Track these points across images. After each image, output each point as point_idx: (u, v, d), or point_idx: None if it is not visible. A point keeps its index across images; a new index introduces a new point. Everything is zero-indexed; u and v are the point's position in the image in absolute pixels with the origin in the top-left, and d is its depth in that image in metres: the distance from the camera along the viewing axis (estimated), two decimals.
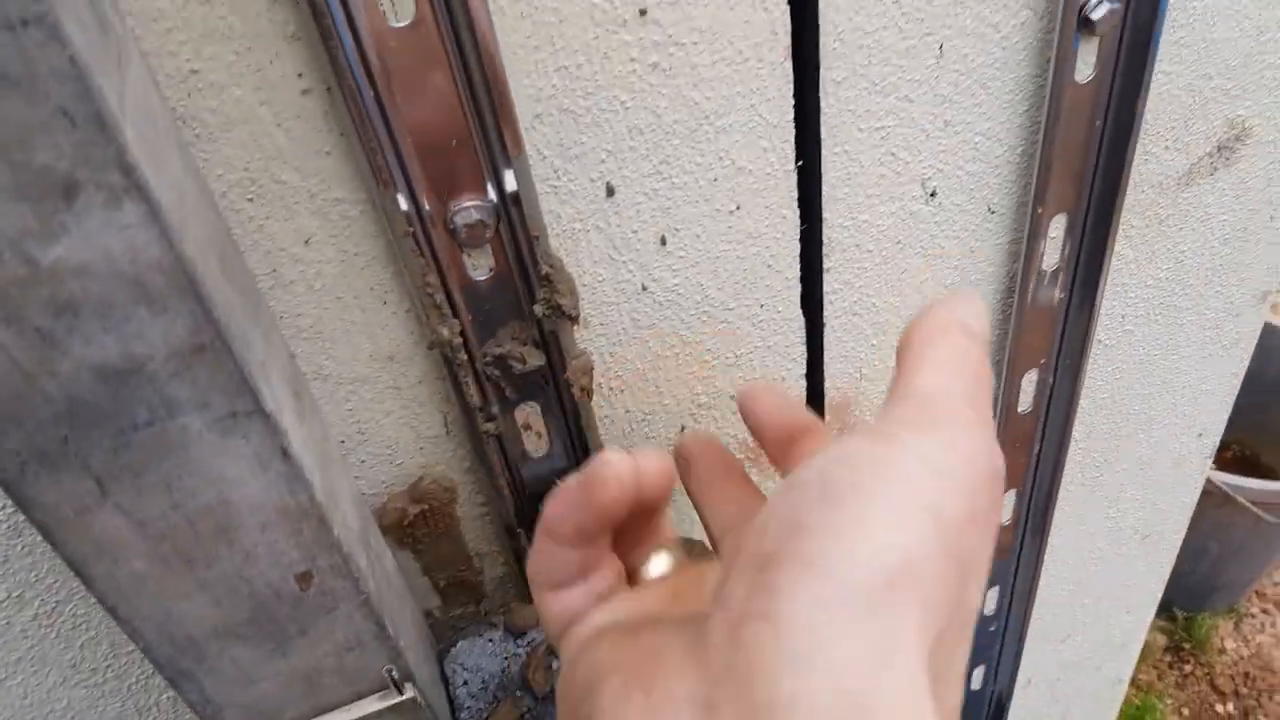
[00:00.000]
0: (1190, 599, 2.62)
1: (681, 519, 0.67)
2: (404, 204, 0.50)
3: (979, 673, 1.11)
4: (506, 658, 0.63)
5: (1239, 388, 0.95)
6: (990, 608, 1.02)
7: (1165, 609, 2.68)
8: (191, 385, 0.37)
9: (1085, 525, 0.99)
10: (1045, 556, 0.98)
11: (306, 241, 0.50)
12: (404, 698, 0.51)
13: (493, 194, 0.51)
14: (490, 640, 0.64)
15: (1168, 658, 2.61)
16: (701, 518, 0.46)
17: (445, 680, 0.62)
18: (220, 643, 0.45)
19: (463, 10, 0.45)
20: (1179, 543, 1.12)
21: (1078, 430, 0.86)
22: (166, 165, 0.35)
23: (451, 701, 0.61)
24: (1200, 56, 0.66)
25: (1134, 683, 2.60)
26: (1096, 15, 0.58)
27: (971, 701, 1.15)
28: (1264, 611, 2.67)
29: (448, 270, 0.53)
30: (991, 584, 0.99)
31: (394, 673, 0.50)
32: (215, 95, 0.43)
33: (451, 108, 0.47)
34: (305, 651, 0.48)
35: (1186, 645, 2.61)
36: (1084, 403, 0.84)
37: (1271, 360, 2.66)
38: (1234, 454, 2.82)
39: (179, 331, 0.35)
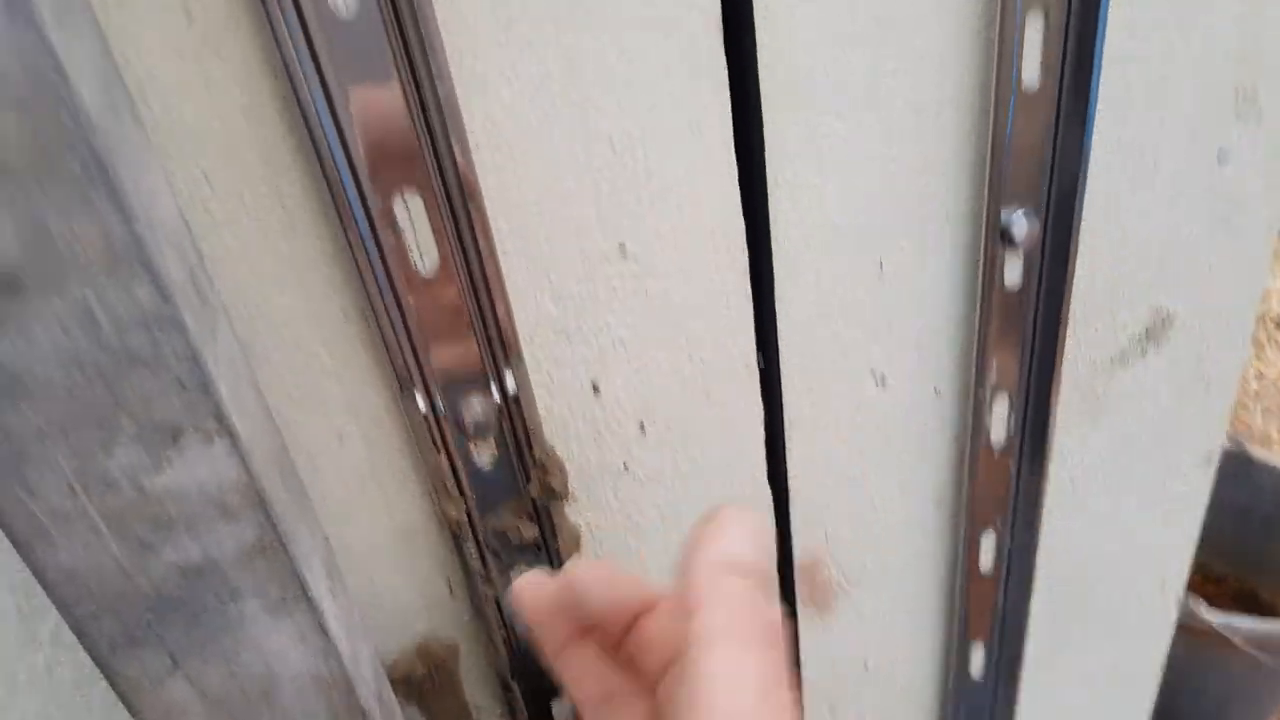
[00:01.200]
0: None
1: None
2: (422, 405, 0.59)
3: None
4: None
5: (1198, 537, 1.02)
6: None
7: None
8: (252, 577, 0.46)
9: (1057, 673, 1.04)
10: (1019, 706, 1.03)
11: (340, 438, 0.59)
12: None
13: (496, 395, 0.61)
14: None
15: None
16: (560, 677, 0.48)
17: None
18: None
19: (477, 259, 0.55)
20: (1156, 685, 1.16)
21: (1040, 587, 0.93)
22: (245, 403, 0.45)
23: None
24: (1118, 259, 0.76)
25: None
26: (1017, 232, 0.69)
27: None
28: None
29: (457, 458, 0.62)
30: None
31: None
32: (276, 333, 0.53)
33: (465, 333, 0.57)
34: None
35: None
36: (1043, 561, 0.91)
37: (1262, 497, 2.70)
38: (1231, 589, 2.82)
39: (247, 536, 0.44)
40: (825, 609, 0.85)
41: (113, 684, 0.46)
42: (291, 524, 0.47)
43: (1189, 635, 2.31)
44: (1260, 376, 3.86)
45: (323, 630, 0.49)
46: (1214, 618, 2.27)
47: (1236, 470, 2.74)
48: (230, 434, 0.42)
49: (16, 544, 0.41)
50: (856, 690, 0.92)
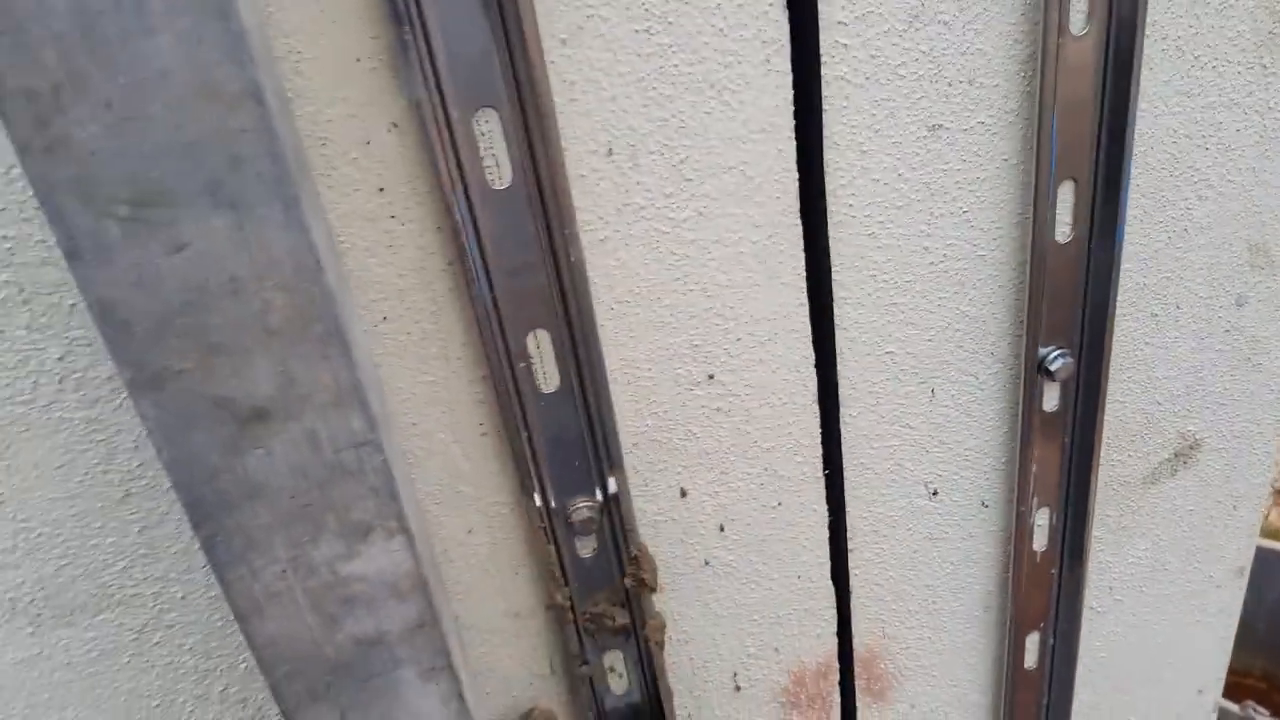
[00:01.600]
0: None
1: None
2: (538, 502, 0.70)
3: None
4: None
5: (1231, 648, 1.07)
6: None
7: None
8: (411, 648, 0.56)
9: None
10: None
11: (469, 531, 0.69)
12: None
13: (599, 496, 0.71)
14: None
15: None
16: None
17: None
18: None
19: (591, 383, 0.66)
20: None
21: (1081, 688, 0.99)
22: (412, 505, 0.55)
23: None
24: (1146, 390, 0.85)
25: None
26: (1054, 367, 0.78)
27: None
28: None
29: (564, 550, 0.72)
30: None
31: None
32: (426, 442, 0.64)
33: (578, 444, 0.68)
34: None
35: None
36: (1085, 661, 0.97)
37: None
38: (1266, 687, 2.78)
39: (412, 614, 0.54)
40: (882, 700, 0.92)
41: None
42: (440, 605, 0.57)
43: None
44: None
45: (460, 697, 0.58)
46: None
47: (1266, 568, 2.73)
48: (405, 531, 0.52)
49: (238, 616, 0.52)
50: None
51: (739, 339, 0.70)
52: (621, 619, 0.76)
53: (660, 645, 0.78)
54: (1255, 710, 2.29)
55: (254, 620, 0.52)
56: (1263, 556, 2.77)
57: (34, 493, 0.60)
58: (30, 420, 0.57)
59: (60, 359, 0.56)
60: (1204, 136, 0.76)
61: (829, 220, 0.68)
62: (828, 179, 0.68)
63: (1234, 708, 2.32)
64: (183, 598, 0.66)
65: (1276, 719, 2.30)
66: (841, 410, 0.75)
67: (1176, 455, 0.89)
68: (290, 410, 0.48)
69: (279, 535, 0.50)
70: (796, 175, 0.66)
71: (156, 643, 0.67)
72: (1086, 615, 0.95)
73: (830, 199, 0.68)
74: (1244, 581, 1.01)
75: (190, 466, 0.47)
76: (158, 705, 0.69)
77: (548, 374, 0.66)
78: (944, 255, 0.73)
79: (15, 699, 0.66)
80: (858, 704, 0.91)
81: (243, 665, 0.70)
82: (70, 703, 0.67)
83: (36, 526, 0.61)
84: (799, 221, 0.68)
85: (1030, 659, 0.95)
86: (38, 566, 0.62)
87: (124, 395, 0.58)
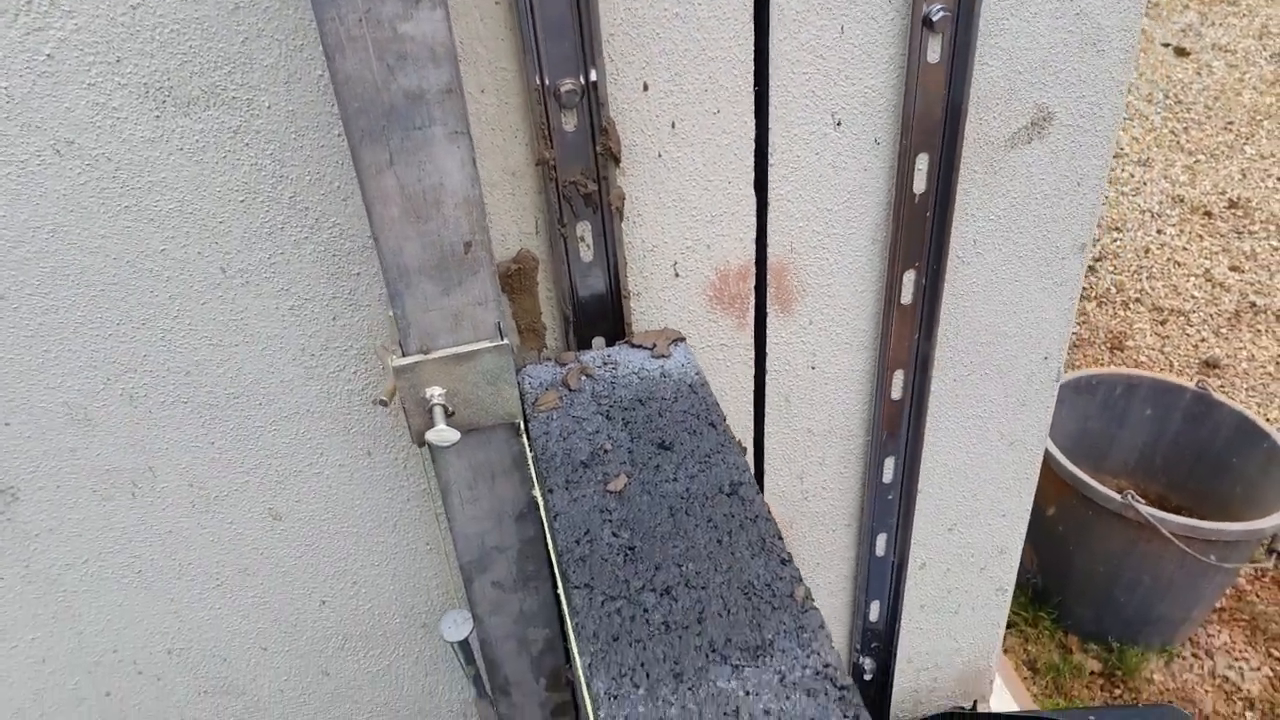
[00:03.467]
0: (1125, 630, 2.92)
1: None
2: (535, 79, 0.92)
3: (882, 540, 1.48)
4: (555, 372, 1.03)
5: (1072, 324, 1.33)
6: (888, 476, 1.40)
7: (1101, 639, 2.97)
8: (442, 109, 0.79)
9: (958, 416, 1.37)
10: (926, 436, 1.36)
11: (482, 90, 0.92)
12: (504, 342, 0.91)
13: (582, 80, 0.94)
14: (546, 364, 1.04)
15: (1099, 680, 2.89)
16: None
17: (519, 386, 1.02)
18: (419, 276, 0.86)
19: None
20: (1040, 454, 1.49)
21: (945, 329, 1.26)
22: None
23: (521, 393, 1.01)
24: (1011, 57, 1.08)
25: (1065, 694, 2.88)
26: (936, 18, 1.01)
27: (876, 567, 1.51)
28: (1194, 656, 2.95)
29: (552, 119, 0.95)
30: (887, 455, 1.37)
31: (500, 324, 0.90)
32: (471, 35, 0.86)
33: (570, 29, 0.90)
34: (459, 296, 0.88)
35: (1118, 672, 2.89)
36: (948, 304, 1.24)
37: (1217, 434, 3.02)
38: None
39: (444, 78, 0.77)
40: (787, 311, 1.18)
41: (356, 167, 0.79)
42: (461, 90, 0.80)
43: (1127, 527, 2.65)
44: (1251, 359, 4.17)
45: (474, 162, 0.82)
46: (1146, 510, 2.60)
47: (1198, 411, 3.06)
48: (445, 6, 0.75)
49: (327, 53, 0.74)
50: (807, 386, 1.25)
51: None
52: (591, 186, 1.00)
53: (619, 213, 1.02)
54: (1134, 498, 2.62)
55: (337, 58, 0.75)
56: (1164, 389, 3.10)
57: None
58: None
59: None
60: None
61: None
62: None
63: (1116, 496, 2.65)
64: (269, 107, 0.88)
65: (1151, 507, 2.63)
66: (770, 34, 0.98)
67: (1032, 124, 1.13)
68: None
69: None
70: None
71: (246, 144, 0.90)
72: (951, 263, 1.21)
73: None
74: (1084, 259, 1.27)
75: None
76: (240, 199, 0.93)
77: None
78: None
79: (139, 176, 0.89)
80: (768, 311, 1.17)
81: (306, 177, 0.93)
82: (180, 186, 0.90)
83: (169, 24, 0.82)
84: None
85: (906, 295, 1.21)
86: (167, 58, 0.84)
87: None
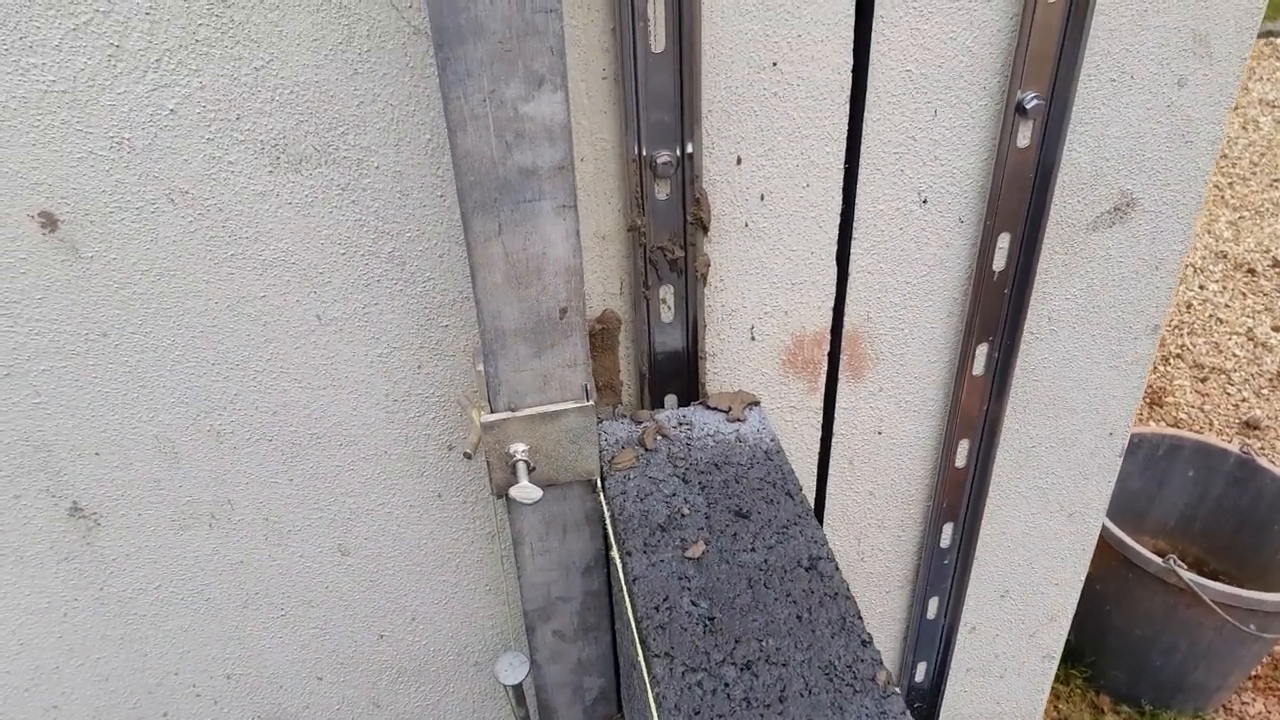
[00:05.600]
0: (1158, 694, 2.88)
1: None
2: (634, 149, 0.94)
3: (934, 603, 1.48)
4: (630, 429, 1.04)
5: (1140, 398, 1.33)
6: (946, 541, 1.40)
7: (1133, 701, 2.94)
8: (553, 184, 0.81)
9: (1020, 486, 1.37)
10: (987, 504, 1.36)
11: (581, 159, 0.94)
12: (589, 404, 0.93)
13: (678, 152, 0.96)
14: (622, 420, 1.06)
15: None
16: None
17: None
18: (514, 339, 0.88)
19: (689, 51, 0.90)
20: (1098, 527, 1.48)
21: (1014, 401, 1.26)
22: (567, 77, 0.80)
23: (600, 450, 1.02)
24: (1100, 144, 1.09)
25: None
26: (1029, 106, 1.02)
27: (927, 629, 1.50)
28: None
29: (646, 188, 0.97)
30: (946, 521, 1.37)
31: (587, 386, 0.92)
32: (576, 109, 0.88)
33: (670, 102, 0.92)
34: (550, 358, 0.90)
35: None
36: (1019, 378, 1.24)
37: (1260, 499, 2.99)
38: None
39: (558, 156, 0.79)
40: (858, 378, 1.19)
41: (466, 234, 0.81)
42: (572, 162, 0.82)
43: (1167, 591, 2.62)
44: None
45: (577, 235, 0.84)
46: (1188, 575, 2.57)
47: (1241, 476, 3.03)
48: (565, 89, 0.77)
49: (450, 129, 0.77)
50: (872, 450, 1.26)
51: (799, 35, 0.93)
52: (679, 252, 1.02)
53: (703, 278, 1.04)
54: (1176, 563, 2.60)
55: (459, 134, 0.77)
56: (1208, 451, 3.07)
57: (292, 58, 0.84)
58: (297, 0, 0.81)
59: None
60: None
61: None
62: None
63: (1157, 559, 2.63)
64: (377, 167, 0.91)
65: (1191, 571, 2.61)
66: (865, 115, 0.99)
67: (1115, 209, 1.14)
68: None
69: (487, 70, 0.75)
70: None
71: (353, 200, 0.92)
72: (1026, 339, 1.21)
73: None
74: (1156, 339, 1.27)
75: (438, 3, 0.71)
76: (341, 252, 0.95)
77: (658, 36, 0.89)
78: None
79: (247, 226, 0.92)
80: (840, 376, 1.18)
81: (407, 234, 0.95)
82: (285, 238, 0.93)
83: (290, 85, 0.85)
84: None
85: (978, 367, 1.22)
86: (285, 117, 0.87)
87: None
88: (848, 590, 0.88)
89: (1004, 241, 1.12)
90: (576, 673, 1.20)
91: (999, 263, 1.14)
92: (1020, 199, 1.09)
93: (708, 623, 0.86)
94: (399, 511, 1.16)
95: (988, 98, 1.02)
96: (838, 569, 0.90)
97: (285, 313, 0.97)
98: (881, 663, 0.81)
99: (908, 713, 0.77)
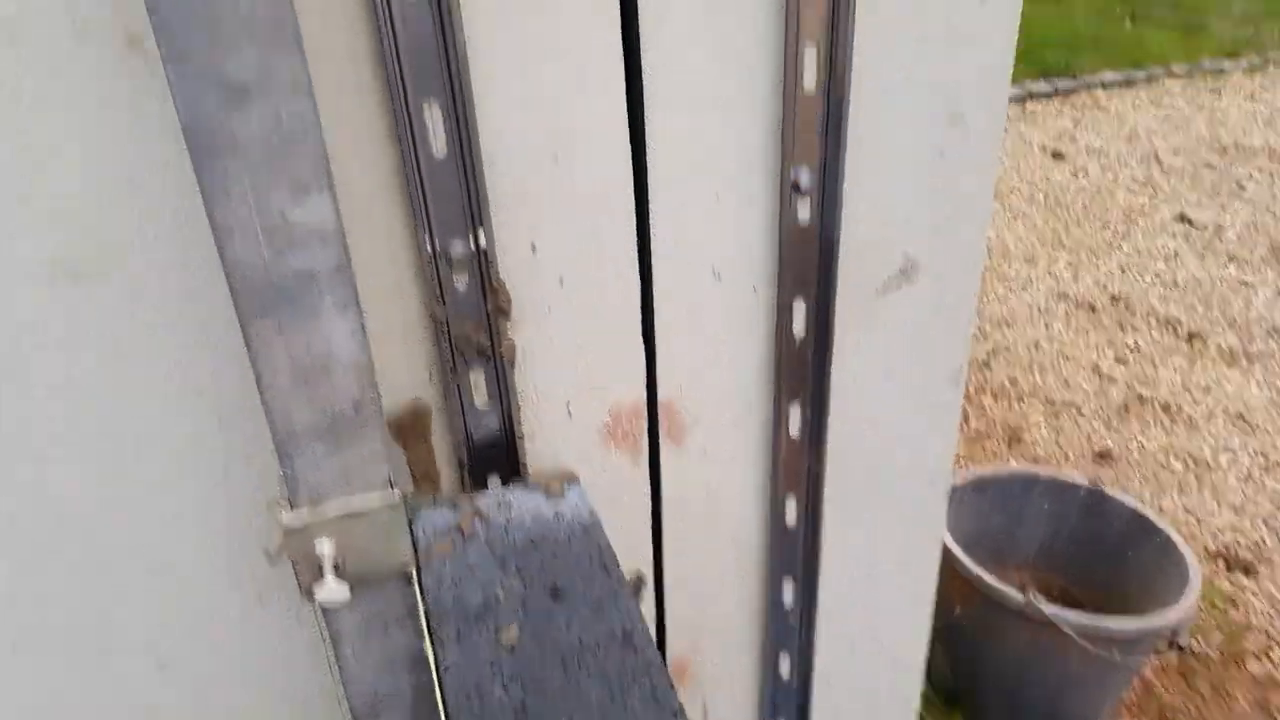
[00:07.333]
0: None
1: None
2: (425, 244, 0.97)
3: (785, 661, 1.50)
4: (449, 517, 1.05)
5: (954, 451, 1.41)
6: (789, 598, 1.43)
7: None
8: (331, 284, 0.82)
9: (851, 541, 1.42)
10: (821, 559, 1.41)
11: (375, 255, 0.96)
12: (394, 497, 0.93)
13: (472, 244, 0.99)
14: (441, 507, 1.06)
15: None
16: None
17: (412, 533, 1.03)
18: (310, 437, 0.88)
19: (470, 154, 0.93)
20: (934, 573, 1.55)
21: (833, 458, 1.32)
22: (338, 199, 0.82)
23: (415, 541, 1.02)
24: (877, 213, 1.17)
25: None
26: (803, 185, 1.09)
27: (782, 689, 1.53)
28: None
29: (444, 280, 0.99)
30: (786, 575, 1.41)
31: (391, 478, 0.93)
32: (344, 189, 0.90)
33: (457, 200, 0.95)
34: (349, 453, 0.90)
35: None
36: (834, 433, 1.30)
37: (1111, 528, 3.16)
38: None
39: (333, 258, 0.81)
40: (679, 442, 1.22)
41: (247, 341, 0.82)
42: (349, 260, 0.84)
43: (1030, 625, 2.72)
44: (1141, 449, 4.38)
45: (363, 330, 0.85)
46: (1047, 608, 2.68)
47: (1093, 505, 3.20)
48: (331, 191, 0.79)
49: (216, 237, 0.77)
50: (703, 513, 1.29)
51: (573, 129, 0.98)
52: (484, 340, 1.04)
53: (511, 363, 1.06)
54: (1036, 596, 2.71)
55: (227, 243, 0.78)
56: (1060, 486, 3.23)
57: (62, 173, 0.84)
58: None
59: None
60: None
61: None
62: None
63: (1017, 595, 2.73)
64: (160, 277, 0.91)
65: (1053, 604, 2.72)
66: (650, 198, 1.05)
67: (901, 272, 1.22)
68: (265, 90, 0.74)
69: (249, 180, 0.76)
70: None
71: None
72: (835, 397, 1.27)
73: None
74: (961, 383, 1.36)
75: (197, 119, 0.73)
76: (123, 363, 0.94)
77: (439, 145, 0.93)
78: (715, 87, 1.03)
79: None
80: (661, 445, 1.21)
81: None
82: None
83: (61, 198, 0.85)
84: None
85: (794, 427, 1.27)
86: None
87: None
88: (660, 661, 0.90)
89: (800, 308, 1.18)
90: None
91: (799, 328, 1.20)
92: (808, 268, 1.16)
93: (519, 709, 0.86)
94: (220, 624, 1.13)
95: (765, 177, 1.09)
96: (650, 642, 0.92)
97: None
98: None
99: None
